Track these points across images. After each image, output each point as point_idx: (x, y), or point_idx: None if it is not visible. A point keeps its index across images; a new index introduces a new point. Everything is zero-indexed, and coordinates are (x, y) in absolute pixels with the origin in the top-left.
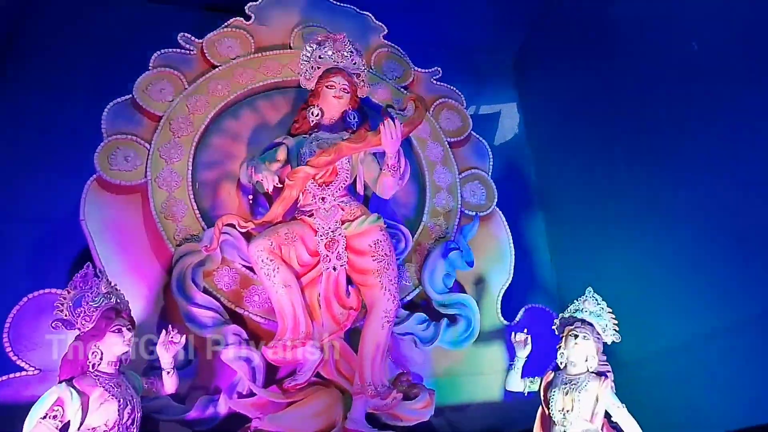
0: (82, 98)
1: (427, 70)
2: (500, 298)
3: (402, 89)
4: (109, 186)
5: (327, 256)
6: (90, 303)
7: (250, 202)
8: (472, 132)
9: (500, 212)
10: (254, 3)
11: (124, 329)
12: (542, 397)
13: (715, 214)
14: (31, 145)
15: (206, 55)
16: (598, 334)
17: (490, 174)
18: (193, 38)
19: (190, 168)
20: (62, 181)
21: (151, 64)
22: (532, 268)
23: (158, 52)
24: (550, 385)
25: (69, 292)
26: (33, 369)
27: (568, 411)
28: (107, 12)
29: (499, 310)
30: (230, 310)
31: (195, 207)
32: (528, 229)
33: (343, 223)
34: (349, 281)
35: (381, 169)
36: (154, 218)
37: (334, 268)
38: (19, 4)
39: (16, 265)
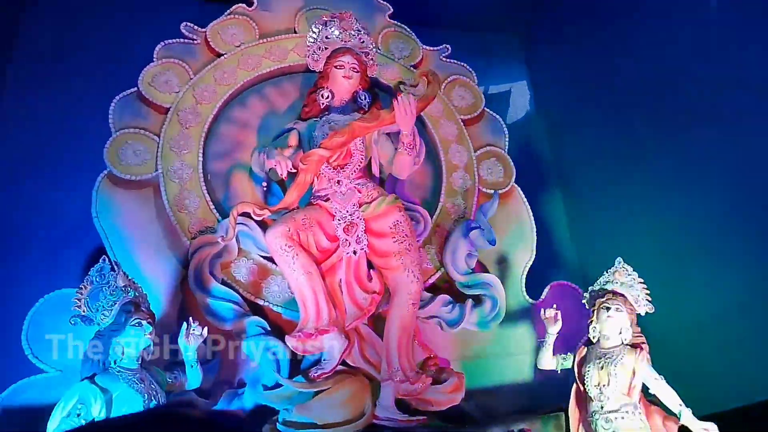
0: (89, 94)
1: (435, 48)
2: (524, 277)
3: (411, 68)
4: (120, 181)
5: (346, 240)
6: (108, 297)
7: (264, 190)
8: (486, 108)
9: (519, 189)
10: None
11: (144, 322)
12: (576, 374)
13: (744, 180)
14: (39, 144)
15: (210, 43)
16: (631, 306)
17: (506, 150)
18: (196, 27)
19: (201, 159)
20: (73, 179)
21: (155, 56)
22: (552, 245)
23: (162, 43)
24: (584, 361)
25: (85, 288)
26: (54, 369)
27: (604, 386)
28: (108, 6)
29: (524, 289)
30: (250, 302)
31: (208, 198)
32: (546, 206)
33: (360, 205)
34: (370, 265)
35: (396, 148)
36: (168, 212)
37: (354, 252)
38: (19, 3)
39: (31, 266)
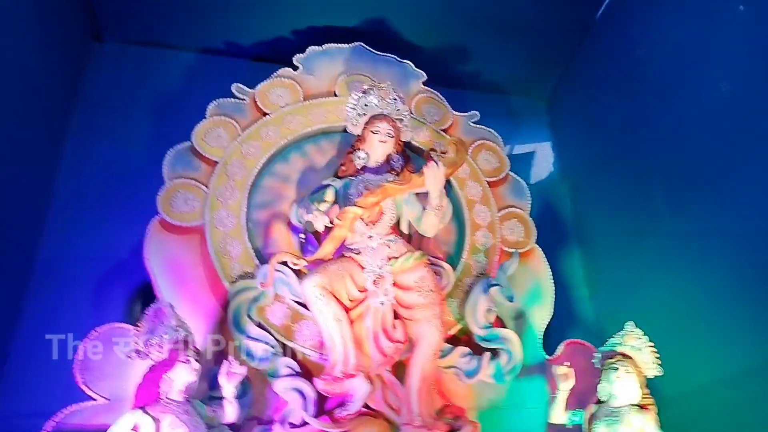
0: (145, 145)
1: (464, 114)
2: (541, 333)
3: (442, 132)
4: (170, 227)
5: (375, 291)
6: (162, 335)
7: (302, 241)
8: (510, 172)
9: (539, 249)
10: (301, 55)
11: (192, 360)
12: (587, 430)
13: (756, 248)
14: (96, 188)
15: (258, 103)
16: (639, 368)
17: (529, 213)
18: (245, 88)
19: (245, 209)
20: (126, 222)
21: (207, 113)
22: (571, 304)
23: (215, 102)
24: (593, 418)
25: (142, 326)
26: (102, 398)
27: None
28: (166, 64)
29: (540, 345)
30: (282, 344)
31: (249, 246)
32: (565, 265)
33: (389, 260)
34: (396, 316)
35: (424, 208)
36: (212, 257)
37: (382, 303)
38: (83, 55)
39: (82, 300)
